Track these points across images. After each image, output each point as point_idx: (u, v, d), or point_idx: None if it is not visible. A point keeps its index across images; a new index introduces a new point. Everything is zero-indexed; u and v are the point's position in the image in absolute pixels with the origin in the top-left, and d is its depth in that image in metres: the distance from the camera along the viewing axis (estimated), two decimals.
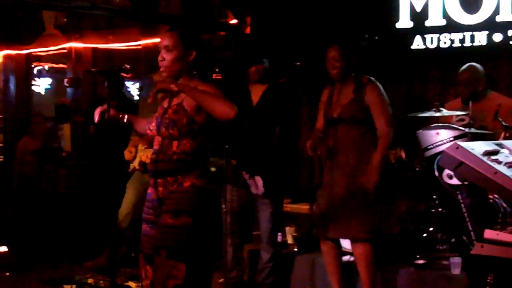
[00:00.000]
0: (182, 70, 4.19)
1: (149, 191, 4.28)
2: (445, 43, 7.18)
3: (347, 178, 5.16)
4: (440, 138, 5.10)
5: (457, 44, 7.11)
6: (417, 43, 7.32)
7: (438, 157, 4.28)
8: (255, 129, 5.67)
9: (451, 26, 7.13)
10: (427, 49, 7.25)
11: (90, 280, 6.61)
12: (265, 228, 5.79)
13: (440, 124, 5.41)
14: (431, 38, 7.25)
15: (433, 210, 5.78)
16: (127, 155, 6.99)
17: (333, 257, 5.35)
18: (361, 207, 5.12)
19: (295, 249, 6.28)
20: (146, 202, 4.33)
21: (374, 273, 5.27)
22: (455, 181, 4.20)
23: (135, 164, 6.95)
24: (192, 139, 4.14)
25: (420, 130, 5.28)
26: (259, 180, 5.65)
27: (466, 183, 4.04)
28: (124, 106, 6.25)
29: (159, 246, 4.10)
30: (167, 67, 4.19)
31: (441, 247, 5.73)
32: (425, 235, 5.78)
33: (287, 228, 6.48)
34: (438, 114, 5.76)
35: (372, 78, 5.25)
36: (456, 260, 5.33)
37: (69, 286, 6.51)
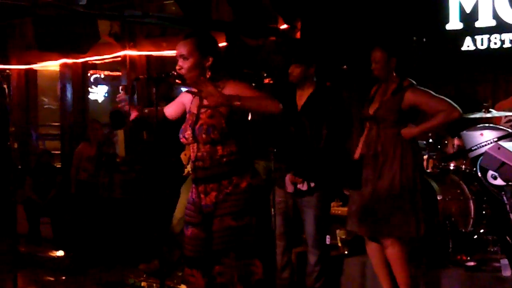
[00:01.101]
0: (201, 76, 4.15)
1: (193, 195, 4.29)
2: (495, 43, 7.12)
3: (382, 177, 5.14)
4: (484, 139, 5.08)
5: (507, 44, 7.04)
6: (467, 44, 7.27)
7: (481, 158, 4.27)
8: (301, 132, 5.68)
9: (502, 27, 7.07)
10: (477, 50, 7.19)
11: (143, 283, 6.68)
12: (310, 231, 5.75)
13: (484, 125, 5.37)
14: (481, 39, 7.20)
15: (483, 212, 5.73)
16: (184, 158, 7.03)
17: (380, 259, 5.33)
18: (394, 207, 5.09)
19: (345, 252, 6.29)
20: (188, 205, 4.32)
21: (409, 273, 5.22)
22: (499, 182, 4.18)
23: (190, 168, 6.98)
24: (234, 138, 4.16)
25: (465, 131, 5.25)
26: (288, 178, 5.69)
27: (510, 183, 4.02)
28: None
29: (225, 248, 4.10)
30: (185, 76, 4.18)
31: (492, 249, 5.68)
32: (475, 236, 5.73)
33: (337, 231, 6.48)
34: (488, 115, 5.71)
35: (414, 82, 5.24)
36: (506, 261, 5.27)
37: None
